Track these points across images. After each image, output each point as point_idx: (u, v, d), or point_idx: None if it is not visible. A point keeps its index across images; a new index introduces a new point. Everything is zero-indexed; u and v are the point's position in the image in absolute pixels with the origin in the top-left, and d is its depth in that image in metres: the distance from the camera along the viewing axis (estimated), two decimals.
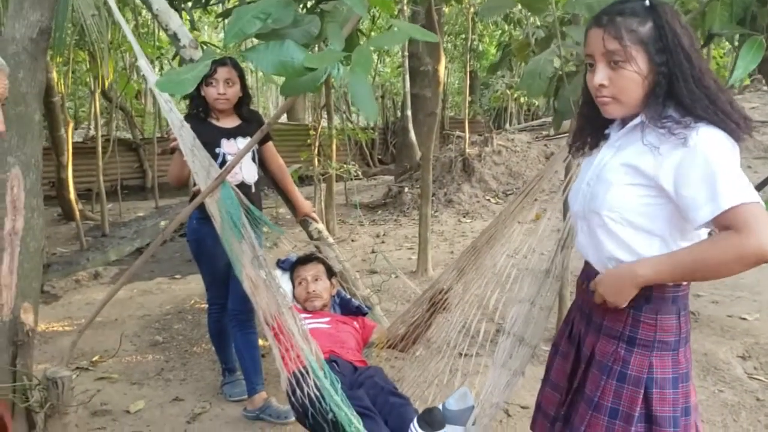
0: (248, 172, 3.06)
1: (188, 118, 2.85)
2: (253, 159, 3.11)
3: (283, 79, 1.84)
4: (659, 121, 1.39)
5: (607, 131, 1.59)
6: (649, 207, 1.43)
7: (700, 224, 1.36)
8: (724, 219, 1.31)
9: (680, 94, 1.37)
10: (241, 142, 2.99)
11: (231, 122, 3.06)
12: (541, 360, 3.57)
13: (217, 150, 2.93)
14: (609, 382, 1.51)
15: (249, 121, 3.09)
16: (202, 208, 2.64)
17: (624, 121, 1.53)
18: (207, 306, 3.39)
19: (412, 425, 2.08)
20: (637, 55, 1.39)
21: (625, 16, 1.40)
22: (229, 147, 2.99)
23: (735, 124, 1.36)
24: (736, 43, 1.74)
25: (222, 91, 2.94)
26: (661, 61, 1.38)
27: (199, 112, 3.01)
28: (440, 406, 2.08)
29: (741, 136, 1.37)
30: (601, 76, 1.43)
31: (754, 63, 1.56)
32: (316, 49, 2.53)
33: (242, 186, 2.90)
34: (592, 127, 1.61)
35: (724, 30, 1.63)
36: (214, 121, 3.02)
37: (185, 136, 2.54)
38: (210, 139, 2.83)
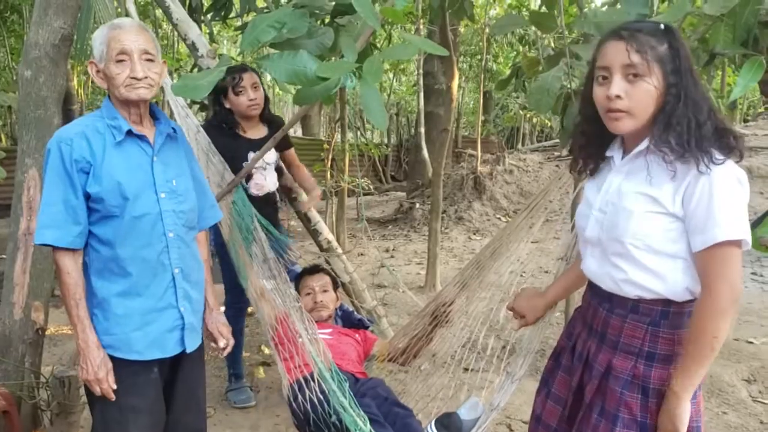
0: (272, 180, 3.14)
1: (213, 130, 2.89)
2: (276, 168, 3.18)
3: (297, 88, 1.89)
4: (661, 147, 1.42)
5: (608, 153, 1.60)
6: (670, 232, 1.45)
7: (696, 251, 1.41)
8: (707, 253, 1.39)
9: (679, 116, 1.41)
10: (269, 155, 3.03)
11: (258, 133, 3.07)
12: None
13: (244, 163, 2.94)
14: (633, 396, 1.51)
15: (274, 127, 3.08)
16: None
17: (625, 145, 1.55)
18: (223, 309, 3.42)
19: (429, 427, 2.09)
20: (655, 70, 1.42)
21: (645, 34, 1.44)
22: None
23: (719, 149, 1.40)
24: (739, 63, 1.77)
25: (252, 96, 2.95)
26: (673, 82, 1.42)
27: (224, 125, 3.01)
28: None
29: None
30: (618, 87, 1.43)
31: (754, 81, 1.61)
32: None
33: (268, 194, 2.99)
34: (593, 146, 1.62)
35: (726, 50, 1.68)
36: (241, 133, 3.04)
37: (201, 142, 2.60)
38: (237, 153, 2.89)
